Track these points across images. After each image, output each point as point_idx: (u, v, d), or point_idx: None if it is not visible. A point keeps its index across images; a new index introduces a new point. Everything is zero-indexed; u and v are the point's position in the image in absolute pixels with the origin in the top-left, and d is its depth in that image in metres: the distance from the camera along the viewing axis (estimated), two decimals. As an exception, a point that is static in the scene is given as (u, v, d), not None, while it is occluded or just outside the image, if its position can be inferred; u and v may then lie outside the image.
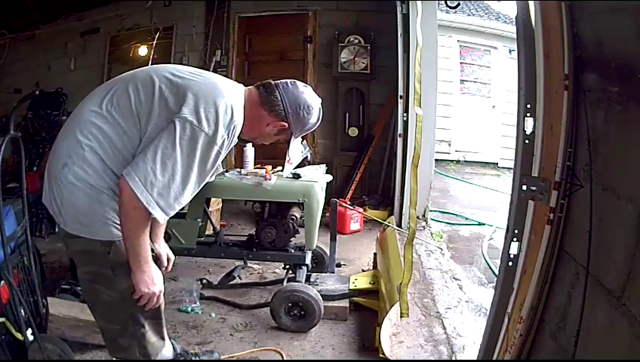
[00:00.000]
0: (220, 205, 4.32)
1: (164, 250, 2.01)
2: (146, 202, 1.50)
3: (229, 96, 1.65)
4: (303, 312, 2.68)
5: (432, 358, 2.50)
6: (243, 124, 1.70)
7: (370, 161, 5.31)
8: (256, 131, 1.80)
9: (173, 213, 1.59)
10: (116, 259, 1.61)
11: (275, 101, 1.76)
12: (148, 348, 1.77)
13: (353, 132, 5.40)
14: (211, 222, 3.18)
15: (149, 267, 1.64)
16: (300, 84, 1.84)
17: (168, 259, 2.02)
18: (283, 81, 1.82)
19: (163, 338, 1.84)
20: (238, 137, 1.73)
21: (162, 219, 1.57)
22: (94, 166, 1.56)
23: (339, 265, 3.28)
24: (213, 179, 1.95)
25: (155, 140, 1.54)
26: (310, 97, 1.82)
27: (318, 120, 1.86)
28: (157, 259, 1.93)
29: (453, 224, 5.06)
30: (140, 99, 1.60)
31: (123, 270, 1.62)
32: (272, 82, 1.81)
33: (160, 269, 1.84)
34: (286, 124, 1.79)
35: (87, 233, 1.59)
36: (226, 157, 1.77)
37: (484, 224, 5.00)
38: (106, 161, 1.57)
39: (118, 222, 1.59)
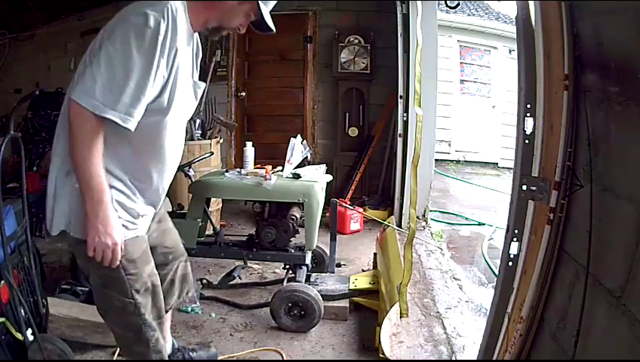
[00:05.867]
0: (220, 205, 4.31)
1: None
2: (92, 107, 1.38)
3: None
4: (303, 312, 2.67)
5: (432, 358, 2.50)
6: (190, 6, 1.55)
7: (370, 161, 5.30)
8: (214, 9, 1.60)
9: (136, 114, 1.44)
10: (127, 257, 1.60)
11: None
12: (162, 352, 1.78)
13: (353, 132, 5.39)
14: (211, 222, 3.18)
15: (105, 211, 1.47)
16: None
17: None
18: None
19: (164, 337, 1.85)
20: (204, 30, 1.63)
21: (123, 121, 1.41)
22: None
23: (339, 265, 3.28)
24: (196, 101, 1.78)
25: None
26: None
27: None
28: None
29: (453, 224, 5.06)
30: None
31: (134, 267, 1.63)
32: None
33: None
34: None
35: None
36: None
37: (484, 224, 5.00)
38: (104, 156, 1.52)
39: (126, 218, 1.59)
